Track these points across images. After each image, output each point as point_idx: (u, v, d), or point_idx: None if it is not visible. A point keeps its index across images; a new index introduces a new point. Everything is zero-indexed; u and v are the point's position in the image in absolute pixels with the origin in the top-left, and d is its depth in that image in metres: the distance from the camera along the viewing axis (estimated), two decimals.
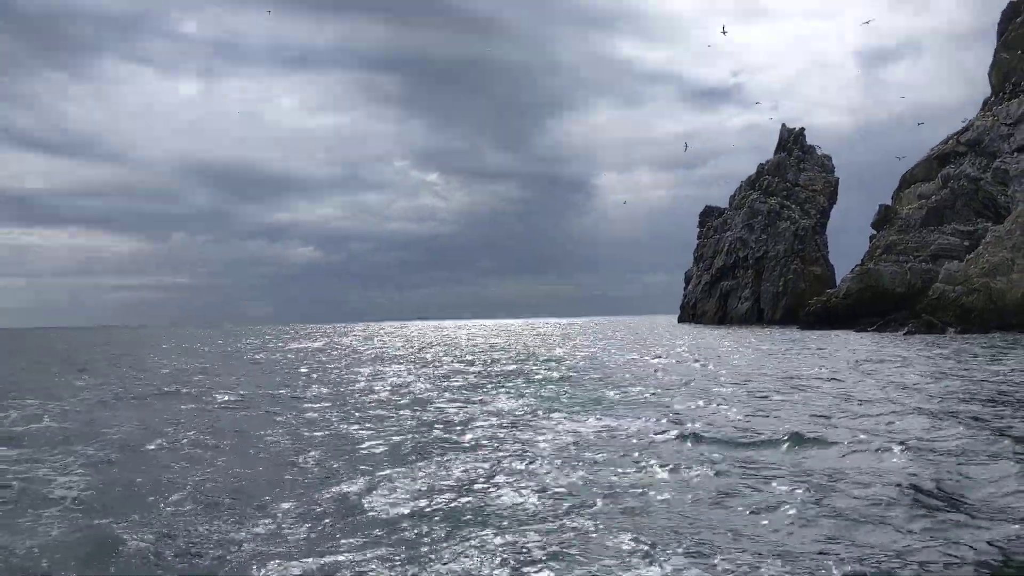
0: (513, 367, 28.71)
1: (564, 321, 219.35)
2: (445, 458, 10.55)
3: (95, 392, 21.35)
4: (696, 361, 29.30)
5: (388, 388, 21.16)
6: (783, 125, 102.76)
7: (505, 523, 7.33)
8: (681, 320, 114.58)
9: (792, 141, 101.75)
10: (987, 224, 56.12)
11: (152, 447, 11.88)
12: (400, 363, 33.21)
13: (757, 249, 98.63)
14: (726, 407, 14.99)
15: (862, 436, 11.15)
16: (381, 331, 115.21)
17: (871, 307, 61.30)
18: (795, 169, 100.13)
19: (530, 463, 9.97)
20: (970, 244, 56.40)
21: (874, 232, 67.14)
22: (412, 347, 51.11)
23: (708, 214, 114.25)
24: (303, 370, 29.77)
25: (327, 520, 7.62)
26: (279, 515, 7.84)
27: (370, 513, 7.81)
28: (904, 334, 50.10)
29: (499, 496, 8.32)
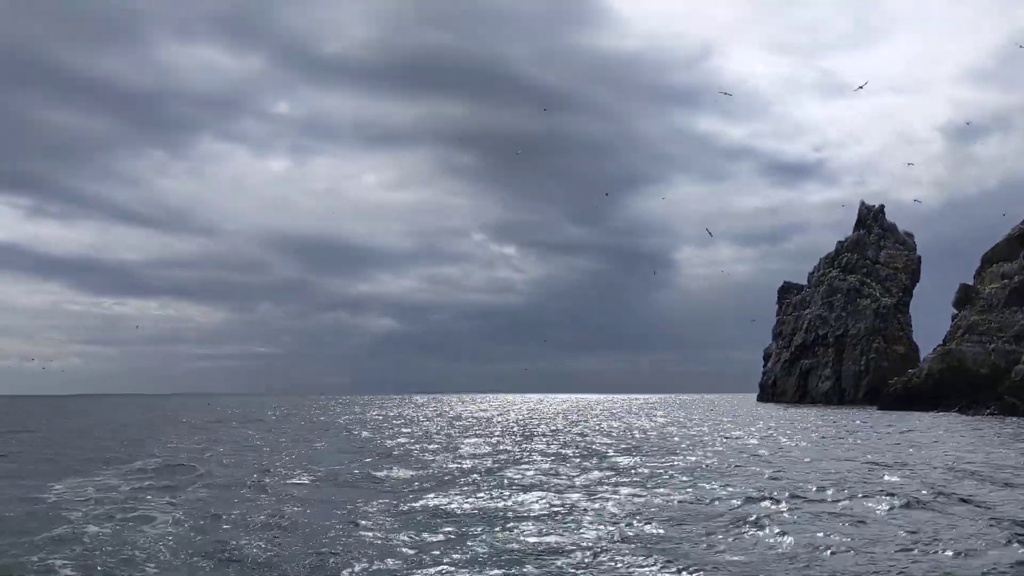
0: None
1: (643, 397, 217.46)
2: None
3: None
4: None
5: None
6: (862, 202, 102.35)
7: None
8: (760, 399, 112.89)
9: (871, 218, 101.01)
10: None
11: None
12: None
13: (837, 327, 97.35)
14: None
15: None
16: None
17: (953, 388, 60.08)
18: (875, 247, 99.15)
19: None
20: None
21: (955, 312, 66.05)
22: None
23: (787, 291, 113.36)
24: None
25: None
26: None
27: None
28: (988, 414, 49.07)
29: None
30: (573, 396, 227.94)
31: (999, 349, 59.23)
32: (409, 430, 38.79)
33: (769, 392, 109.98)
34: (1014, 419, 45.93)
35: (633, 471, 19.13)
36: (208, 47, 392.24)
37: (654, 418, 56.03)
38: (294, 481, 17.66)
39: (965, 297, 64.80)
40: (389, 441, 31.06)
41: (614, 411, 75.06)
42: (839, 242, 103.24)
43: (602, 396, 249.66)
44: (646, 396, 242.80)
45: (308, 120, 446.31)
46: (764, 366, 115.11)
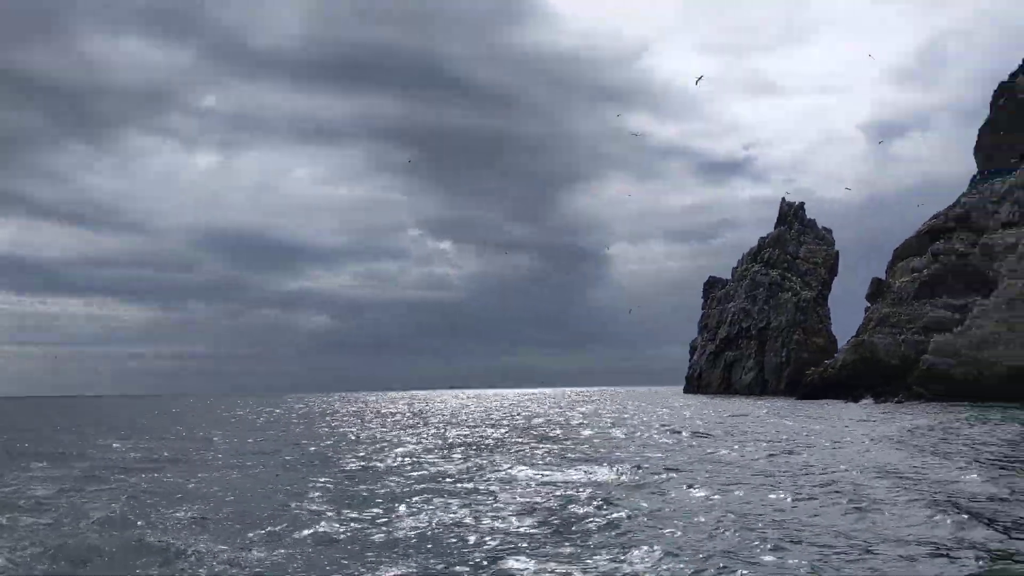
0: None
1: (578, 390, 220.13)
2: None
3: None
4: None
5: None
6: (783, 199, 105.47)
7: None
8: (686, 390, 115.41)
9: (792, 215, 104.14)
10: (976, 298, 57.68)
11: None
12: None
13: (760, 320, 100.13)
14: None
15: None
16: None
17: (867, 378, 62.56)
18: (795, 242, 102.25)
19: None
20: (960, 317, 57.87)
21: (868, 305, 68.74)
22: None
23: (712, 285, 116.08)
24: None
25: None
26: None
27: None
28: (895, 402, 51.32)
29: None
30: (510, 392, 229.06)
31: (908, 340, 61.86)
32: (329, 430, 38.73)
33: (695, 384, 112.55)
34: (921, 404, 48.14)
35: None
36: (135, 40, 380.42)
37: (574, 408, 56.94)
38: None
39: (877, 291, 67.49)
40: (311, 444, 31.00)
41: (543, 404, 75.89)
42: (761, 238, 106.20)
43: (539, 391, 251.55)
44: (583, 389, 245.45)
45: (238, 114, 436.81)
46: (690, 359, 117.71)
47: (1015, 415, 35.53)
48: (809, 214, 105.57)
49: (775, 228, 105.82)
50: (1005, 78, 67.54)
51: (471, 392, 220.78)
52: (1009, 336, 50.68)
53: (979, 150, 64.71)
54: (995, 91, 67.97)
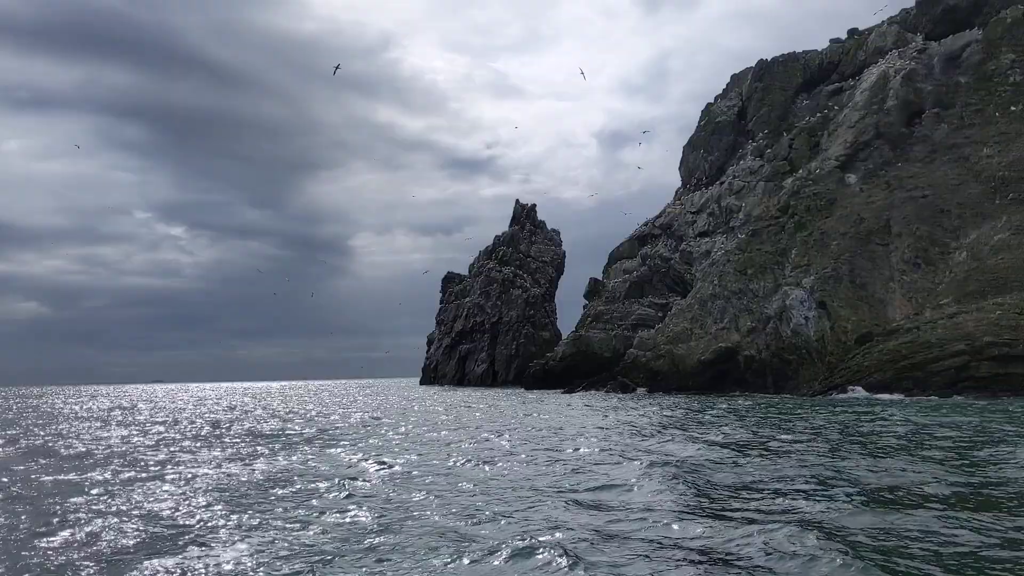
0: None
1: (317, 383, 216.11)
2: None
3: None
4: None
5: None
6: (517, 201, 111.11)
7: None
8: (423, 382, 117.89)
9: (525, 216, 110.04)
10: (676, 298, 64.59)
11: None
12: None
13: (493, 314, 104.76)
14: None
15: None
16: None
17: (583, 369, 67.79)
18: (527, 241, 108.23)
19: None
20: (662, 315, 64.52)
21: (586, 302, 74.49)
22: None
23: (449, 280, 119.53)
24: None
25: None
26: None
27: None
28: (605, 391, 56.17)
29: None
30: (247, 384, 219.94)
31: (619, 335, 67.87)
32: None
33: (431, 375, 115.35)
34: (626, 395, 53.20)
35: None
36: None
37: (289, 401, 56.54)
38: None
39: (594, 289, 73.35)
40: None
41: (271, 398, 74.17)
42: (496, 236, 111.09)
43: (277, 384, 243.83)
44: (322, 383, 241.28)
45: None
46: (427, 351, 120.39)
47: (696, 403, 40.51)
48: (544, 214, 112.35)
49: (509, 227, 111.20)
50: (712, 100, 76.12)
51: (206, 386, 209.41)
52: (699, 332, 57.30)
53: (682, 165, 72.42)
54: (703, 110, 76.32)
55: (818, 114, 62.45)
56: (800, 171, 60.01)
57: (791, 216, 58.16)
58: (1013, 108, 54.06)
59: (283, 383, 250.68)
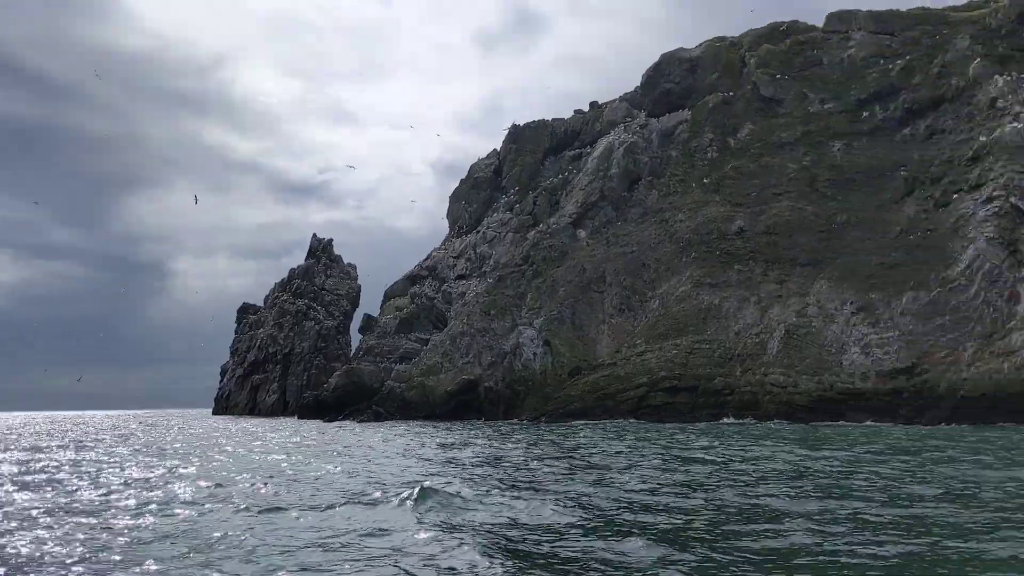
0: None
1: (117, 413, 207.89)
2: None
3: None
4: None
5: None
6: (314, 235, 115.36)
7: None
8: (215, 412, 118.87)
9: (321, 250, 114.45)
10: (436, 333, 71.56)
11: None
12: None
13: (285, 346, 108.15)
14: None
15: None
16: None
17: (355, 399, 73.22)
18: (323, 275, 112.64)
19: None
20: (426, 349, 71.30)
21: (361, 336, 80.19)
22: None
23: (245, 311, 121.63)
24: None
25: None
26: None
27: None
28: (359, 421, 61.94)
29: None
30: (48, 414, 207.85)
31: (387, 367, 73.92)
32: None
33: (223, 405, 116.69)
34: (376, 423, 59.19)
35: None
36: None
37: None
38: None
39: (367, 324, 79.23)
40: None
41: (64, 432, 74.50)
42: (291, 269, 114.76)
43: (81, 413, 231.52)
44: (130, 412, 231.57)
45: None
46: (221, 381, 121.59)
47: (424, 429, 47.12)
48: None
49: (305, 260, 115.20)
50: None
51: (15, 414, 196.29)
52: (448, 366, 64.39)
53: (449, 214, 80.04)
54: (471, 166, 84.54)
55: (560, 175, 71.84)
56: (541, 225, 68.84)
57: (530, 264, 66.68)
58: (706, 180, 65.13)
59: (97, 412, 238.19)
